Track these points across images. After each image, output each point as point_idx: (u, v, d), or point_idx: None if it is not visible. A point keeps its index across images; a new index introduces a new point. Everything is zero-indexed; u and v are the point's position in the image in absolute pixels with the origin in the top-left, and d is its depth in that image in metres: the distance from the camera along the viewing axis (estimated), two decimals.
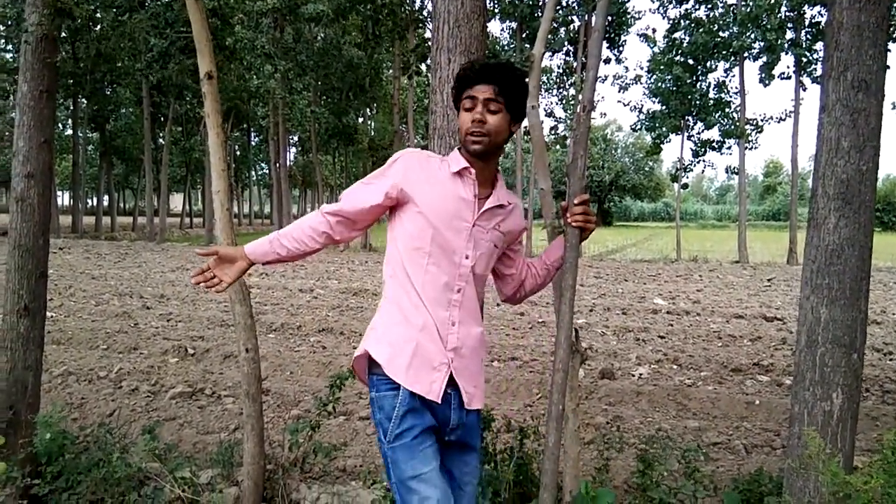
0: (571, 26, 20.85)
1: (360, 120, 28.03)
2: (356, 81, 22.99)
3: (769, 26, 17.86)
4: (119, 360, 6.22)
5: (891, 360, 6.79)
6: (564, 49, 21.65)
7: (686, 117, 20.71)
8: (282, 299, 10.39)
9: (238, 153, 41.97)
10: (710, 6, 19.35)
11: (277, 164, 27.19)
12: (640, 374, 6.05)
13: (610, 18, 19.82)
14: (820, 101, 2.51)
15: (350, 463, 3.92)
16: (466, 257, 1.86)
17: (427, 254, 1.83)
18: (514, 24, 20.83)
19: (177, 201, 57.82)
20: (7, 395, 3.41)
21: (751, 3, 18.22)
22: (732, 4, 19.01)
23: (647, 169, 58.13)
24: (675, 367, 6.49)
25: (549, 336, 7.78)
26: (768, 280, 14.31)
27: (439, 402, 1.81)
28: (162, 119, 27.83)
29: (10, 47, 22.23)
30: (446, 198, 1.84)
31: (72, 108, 28.52)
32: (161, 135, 29.67)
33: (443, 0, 2.78)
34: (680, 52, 20.00)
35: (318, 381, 5.70)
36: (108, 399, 5.13)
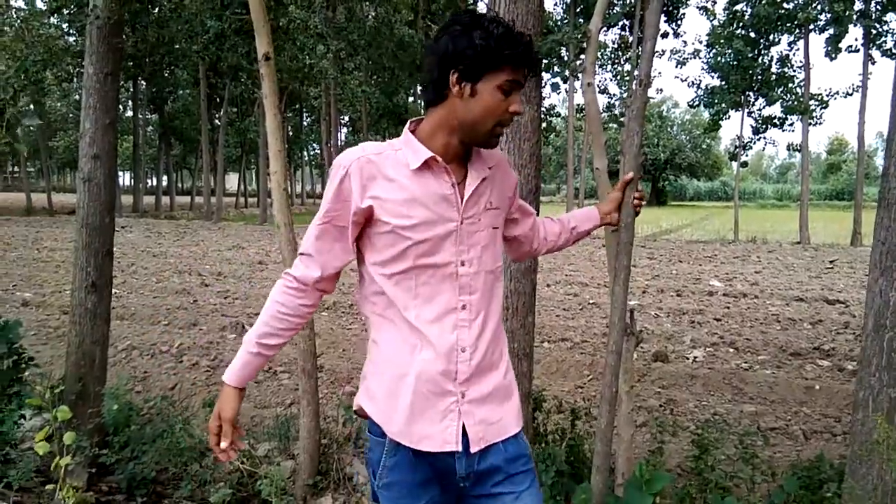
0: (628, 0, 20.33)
1: (411, 100, 28.05)
2: (408, 60, 22.98)
3: None
4: (179, 336, 6.44)
5: None
6: (620, 24, 21.13)
7: (747, 93, 20.01)
8: None
9: (290, 134, 42.60)
10: None
11: (329, 144, 27.49)
12: (695, 357, 5.94)
13: None
14: (894, 75, 2.38)
15: None
16: (462, 264, 1.48)
17: (413, 276, 1.47)
18: None
19: (232, 181, 59.19)
20: (76, 367, 3.58)
21: None
22: None
23: (703, 147, 56.46)
24: (731, 350, 6.34)
25: (600, 317, 7.70)
26: (830, 262, 13.80)
27: (459, 449, 1.47)
28: (218, 100, 28.43)
29: (72, 31, 22.96)
30: (415, 201, 1.44)
31: (132, 90, 29.37)
32: (217, 116, 30.31)
33: None
34: (741, 24, 19.28)
35: None
36: (170, 373, 5.32)
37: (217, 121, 30.61)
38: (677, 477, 3.31)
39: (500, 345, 1.59)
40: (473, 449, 1.49)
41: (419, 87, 29.31)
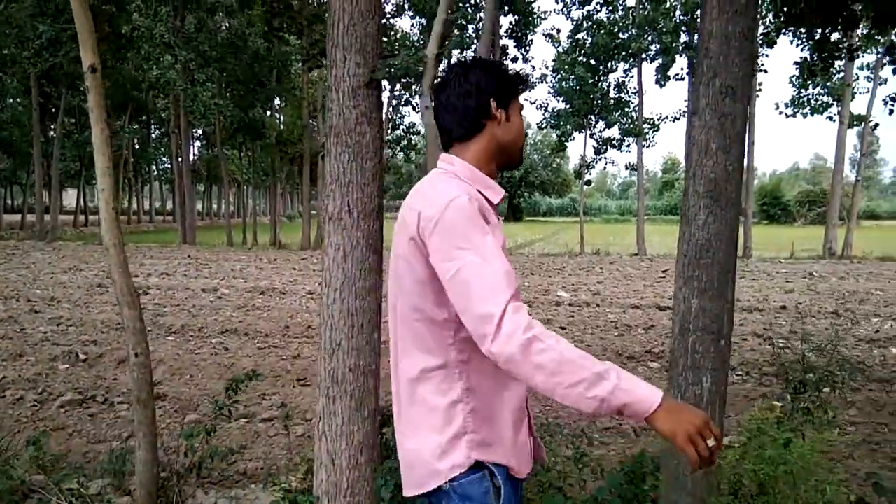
0: (480, 24, 21.13)
1: (269, 114, 27.33)
2: (262, 74, 22.42)
3: (665, 29, 18.79)
4: (2, 369, 5.84)
5: (769, 345, 7.32)
6: (473, 47, 21.91)
7: (588, 116, 21.44)
8: (183, 300, 10.02)
9: (137, 147, 40.01)
10: (610, 8, 20.12)
11: (180, 159, 26.12)
12: None
13: (516, 18, 20.19)
14: (689, 105, 2.68)
15: (251, 466, 3.86)
16: None
17: None
18: (423, 21, 20.90)
19: (70, 198, 54.49)
20: None
21: (648, 7, 19.10)
22: (632, 7, 19.84)
23: (554, 166, 59.90)
24: None
25: None
26: (663, 271, 15.06)
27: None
28: (53, 110, 26.14)
29: None
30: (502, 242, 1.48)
31: None
32: (52, 127, 27.87)
33: None
34: (583, 52, 20.68)
35: (220, 384, 5.55)
36: None
37: (52, 132, 28.13)
38: None
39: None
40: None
41: (270, 102, 28.70)
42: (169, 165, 43.98)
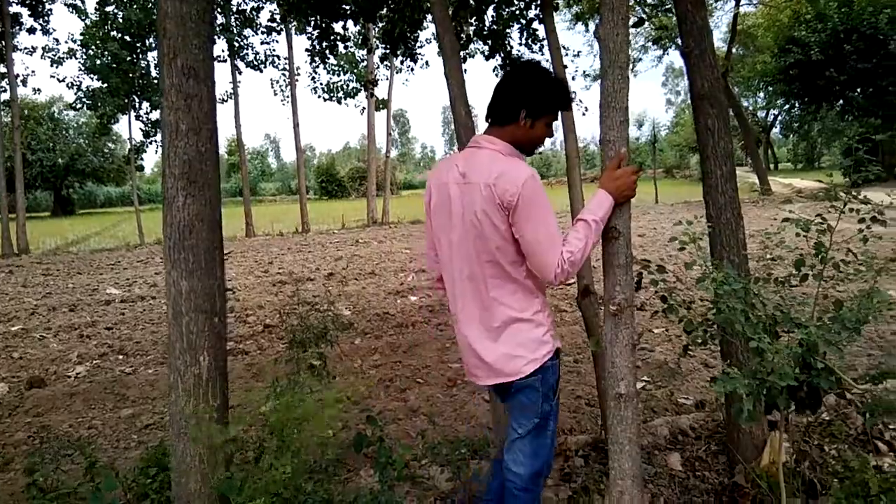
0: None
1: None
2: None
3: None
4: None
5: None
6: None
7: (131, 96, 19.85)
8: None
9: None
10: None
11: None
12: (78, 374, 5.63)
13: None
14: (160, 86, 2.63)
15: None
16: None
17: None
18: None
19: None
20: None
21: None
22: None
23: (106, 151, 54.00)
24: (120, 357, 6.25)
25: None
26: (227, 254, 15.03)
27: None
28: None
29: None
30: None
31: None
32: None
33: None
34: (115, 27, 18.90)
35: None
36: None
37: None
38: None
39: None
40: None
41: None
42: None
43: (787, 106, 36.02)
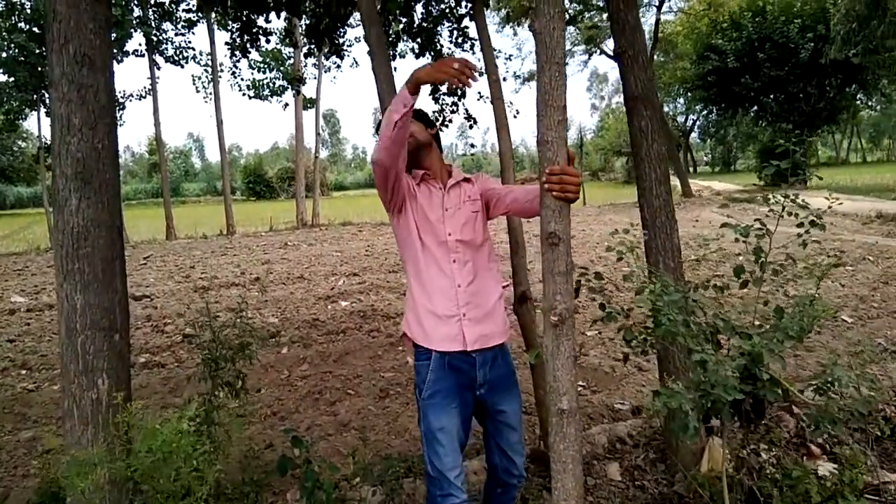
0: None
1: None
2: None
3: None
4: None
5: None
6: None
7: (40, 91, 18.62)
8: None
9: None
10: None
11: None
12: None
13: None
14: (48, 76, 2.34)
15: None
16: (449, 234, 2.24)
17: None
18: None
19: None
20: None
21: None
22: None
23: (15, 149, 50.80)
24: (23, 372, 5.75)
25: None
26: (145, 258, 14.33)
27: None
28: None
29: None
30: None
31: None
32: None
33: None
34: (23, 17, 17.69)
35: None
36: None
37: None
38: None
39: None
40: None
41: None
42: None
43: (705, 111, 37.48)
